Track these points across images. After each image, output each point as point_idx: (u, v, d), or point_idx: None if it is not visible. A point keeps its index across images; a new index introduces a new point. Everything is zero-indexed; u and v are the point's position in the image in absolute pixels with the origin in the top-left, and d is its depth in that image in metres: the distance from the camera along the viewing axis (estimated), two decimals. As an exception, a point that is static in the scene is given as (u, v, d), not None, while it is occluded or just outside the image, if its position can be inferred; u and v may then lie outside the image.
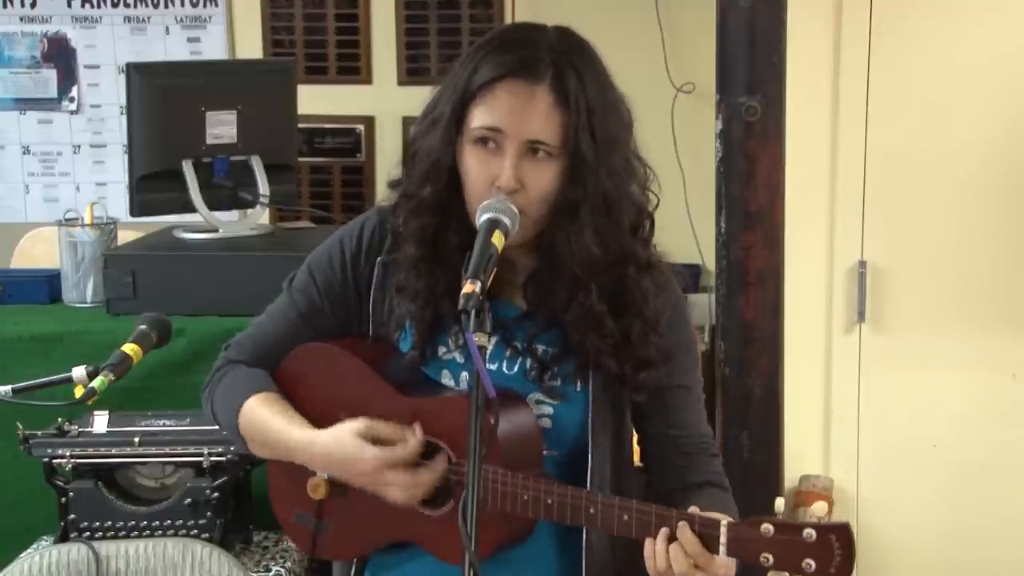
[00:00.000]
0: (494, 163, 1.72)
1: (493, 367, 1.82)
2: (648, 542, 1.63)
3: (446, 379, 1.83)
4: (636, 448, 1.93)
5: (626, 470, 1.87)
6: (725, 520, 1.60)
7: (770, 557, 1.56)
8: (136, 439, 2.45)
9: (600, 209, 1.73)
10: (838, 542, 1.53)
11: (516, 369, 1.82)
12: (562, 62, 1.71)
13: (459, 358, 1.83)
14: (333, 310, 1.91)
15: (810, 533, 1.54)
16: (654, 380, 1.80)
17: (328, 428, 1.78)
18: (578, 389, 1.81)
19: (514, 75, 1.70)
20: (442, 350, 1.83)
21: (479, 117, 1.72)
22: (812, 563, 1.54)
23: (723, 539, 1.58)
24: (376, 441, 1.73)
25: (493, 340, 1.80)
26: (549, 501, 1.68)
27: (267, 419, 1.85)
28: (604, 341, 1.77)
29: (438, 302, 1.79)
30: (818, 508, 1.65)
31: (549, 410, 1.80)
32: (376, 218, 1.90)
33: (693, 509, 1.63)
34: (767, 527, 1.56)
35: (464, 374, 1.83)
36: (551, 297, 1.79)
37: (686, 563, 1.60)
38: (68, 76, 4.42)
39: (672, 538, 1.61)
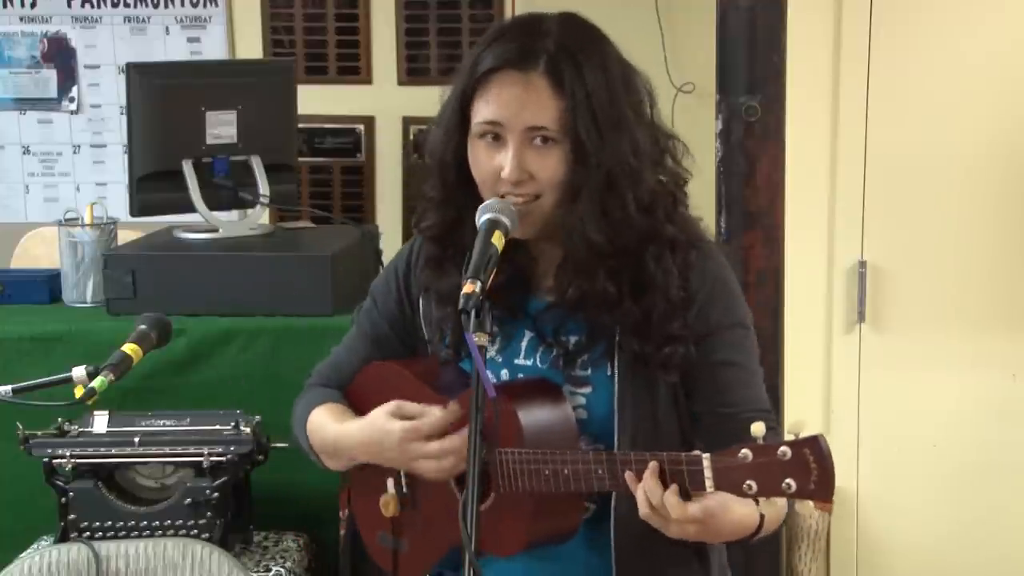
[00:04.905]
0: (499, 156, 1.72)
1: (529, 362, 1.84)
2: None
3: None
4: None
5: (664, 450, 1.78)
6: (707, 454, 1.54)
7: (753, 484, 1.49)
8: (136, 439, 2.45)
9: (602, 192, 1.72)
10: (812, 455, 1.45)
11: (549, 362, 1.83)
12: (558, 47, 1.71)
13: (496, 355, 1.86)
14: (394, 331, 1.98)
15: (784, 451, 1.46)
16: (682, 357, 1.76)
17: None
18: (608, 374, 1.79)
19: (509, 66, 1.71)
20: None
21: (479, 111, 1.73)
22: (792, 483, 1.46)
23: (708, 472, 1.53)
24: (405, 419, 1.77)
25: (528, 336, 1.84)
26: (599, 471, 1.64)
27: (323, 423, 1.93)
28: (623, 320, 1.75)
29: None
30: (794, 425, 1.55)
31: (583, 400, 1.80)
32: (421, 237, 1.93)
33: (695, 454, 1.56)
34: (745, 452, 1.50)
35: (501, 371, 1.86)
36: (568, 284, 1.78)
37: (657, 513, 1.57)
38: (68, 76, 4.41)
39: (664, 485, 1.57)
